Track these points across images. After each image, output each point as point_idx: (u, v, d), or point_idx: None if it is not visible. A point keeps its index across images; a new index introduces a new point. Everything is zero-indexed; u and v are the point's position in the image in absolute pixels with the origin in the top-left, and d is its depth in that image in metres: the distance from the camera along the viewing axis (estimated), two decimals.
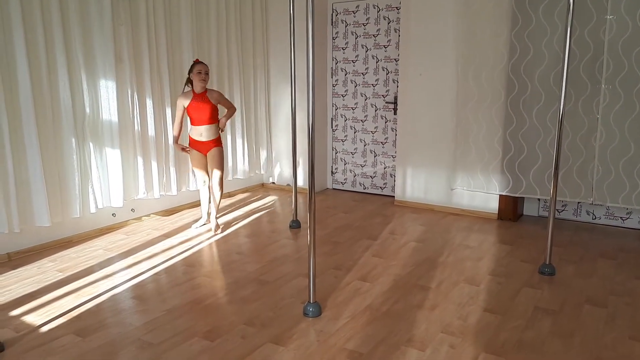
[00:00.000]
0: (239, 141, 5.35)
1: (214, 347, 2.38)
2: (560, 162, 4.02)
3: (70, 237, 3.91)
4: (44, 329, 2.55)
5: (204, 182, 4.14)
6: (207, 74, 3.90)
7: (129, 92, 4.12)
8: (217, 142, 4.05)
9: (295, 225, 4.29)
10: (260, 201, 5.28)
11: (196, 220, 4.46)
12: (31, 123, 3.45)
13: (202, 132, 3.96)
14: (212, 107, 3.94)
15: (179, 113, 4.02)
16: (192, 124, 3.99)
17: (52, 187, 3.65)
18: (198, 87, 3.89)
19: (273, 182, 5.96)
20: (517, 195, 4.36)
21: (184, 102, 3.95)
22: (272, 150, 5.87)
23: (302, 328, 2.55)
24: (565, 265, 3.41)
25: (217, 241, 3.96)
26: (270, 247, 3.82)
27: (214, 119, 3.99)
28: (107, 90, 3.96)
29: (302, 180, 5.42)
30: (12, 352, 2.33)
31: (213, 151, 4.03)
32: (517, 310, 2.74)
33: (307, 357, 2.28)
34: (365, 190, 5.59)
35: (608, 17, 3.75)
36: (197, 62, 3.90)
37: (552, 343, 2.40)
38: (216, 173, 4.06)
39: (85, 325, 2.59)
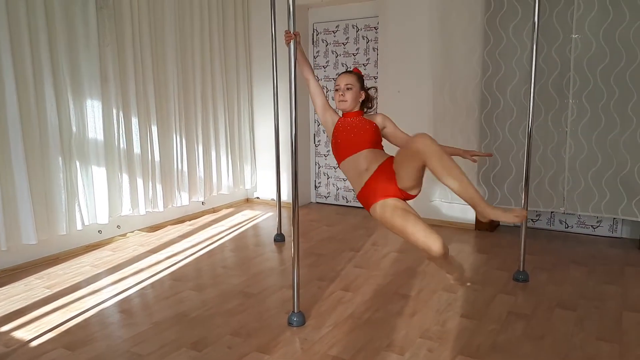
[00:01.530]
0: (222, 157, 5.45)
1: (201, 356, 2.45)
2: (533, 174, 4.20)
3: (57, 254, 3.95)
4: (34, 343, 2.61)
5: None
6: (349, 88, 2.76)
7: (115, 111, 4.21)
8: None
9: (280, 238, 4.39)
10: (244, 216, 5.36)
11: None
12: (18, 142, 3.51)
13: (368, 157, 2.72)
14: (374, 127, 2.83)
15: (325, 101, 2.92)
16: (343, 154, 2.78)
17: (39, 204, 3.70)
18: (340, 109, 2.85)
19: (257, 197, 6.06)
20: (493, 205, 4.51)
21: (327, 117, 2.88)
22: (255, 166, 5.98)
23: (286, 337, 2.64)
24: (539, 272, 3.56)
25: (202, 255, 4.04)
26: (255, 260, 3.91)
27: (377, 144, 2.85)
28: (93, 109, 4.04)
29: (286, 195, 5.53)
30: None
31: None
32: (492, 316, 2.87)
33: None
34: (348, 204, 5.72)
35: (573, 36, 3.97)
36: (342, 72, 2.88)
37: (524, 345, 2.53)
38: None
39: (74, 339, 2.65)
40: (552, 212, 4.61)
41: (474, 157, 2.91)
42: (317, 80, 2.89)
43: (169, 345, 2.56)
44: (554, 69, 4.08)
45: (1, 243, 3.49)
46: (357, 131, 2.71)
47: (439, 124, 4.63)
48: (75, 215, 3.97)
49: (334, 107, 2.88)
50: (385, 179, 2.55)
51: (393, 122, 2.91)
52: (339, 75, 2.79)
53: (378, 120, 2.83)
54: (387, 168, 2.58)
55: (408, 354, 2.45)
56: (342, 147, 2.73)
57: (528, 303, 3.04)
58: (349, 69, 2.81)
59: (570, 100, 4.06)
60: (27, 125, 3.59)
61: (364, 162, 2.66)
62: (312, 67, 2.74)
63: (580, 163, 4.10)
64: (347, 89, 2.74)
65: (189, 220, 5.14)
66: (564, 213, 4.32)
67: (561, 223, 4.62)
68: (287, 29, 2.63)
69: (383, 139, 2.87)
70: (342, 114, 2.82)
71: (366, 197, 2.61)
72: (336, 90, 2.76)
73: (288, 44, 2.65)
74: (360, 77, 2.82)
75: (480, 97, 4.39)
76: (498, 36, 4.23)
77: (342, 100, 2.74)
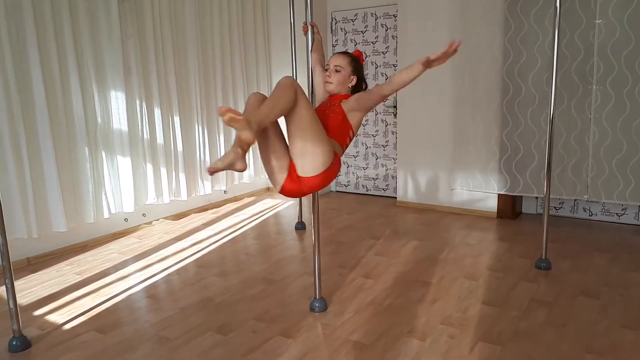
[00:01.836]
0: None
1: (226, 340, 2.52)
2: (556, 161, 4.17)
3: (85, 241, 4.07)
4: (67, 326, 2.71)
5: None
6: (338, 71, 2.59)
7: (138, 102, 4.29)
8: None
9: (301, 226, 4.44)
10: (265, 204, 5.43)
11: None
12: (47, 133, 3.62)
13: None
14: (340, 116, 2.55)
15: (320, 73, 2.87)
16: None
17: (68, 194, 3.81)
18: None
19: None
20: (514, 194, 4.50)
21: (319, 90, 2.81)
22: None
23: (309, 322, 2.70)
24: (562, 260, 3.54)
25: (226, 243, 4.11)
26: (277, 247, 3.97)
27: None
28: (117, 100, 4.13)
29: None
30: (38, 348, 2.49)
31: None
32: (513, 303, 2.88)
33: (315, 349, 2.42)
34: (368, 192, 5.74)
35: (597, 21, 3.90)
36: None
37: (546, 332, 2.54)
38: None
39: (104, 323, 2.75)
40: (575, 200, 4.57)
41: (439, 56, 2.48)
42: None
43: (195, 330, 2.64)
44: (577, 55, 4.02)
45: (33, 231, 3.61)
46: (325, 117, 2.52)
47: (459, 112, 4.61)
48: (102, 204, 4.08)
49: None
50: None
51: (366, 92, 2.52)
52: (332, 56, 2.65)
53: (349, 105, 2.51)
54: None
55: (429, 340, 2.48)
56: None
57: (550, 291, 3.04)
58: (347, 50, 2.70)
59: (594, 87, 4.00)
60: (54, 118, 3.69)
61: None
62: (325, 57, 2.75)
63: (605, 150, 4.04)
64: (336, 71, 2.57)
65: (212, 209, 5.23)
66: (587, 201, 4.28)
67: (585, 211, 4.57)
68: (304, 20, 2.66)
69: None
70: (328, 96, 2.67)
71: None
72: (325, 69, 2.63)
73: (305, 34, 2.69)
74: (353, 60, 2.62)
75: (501, 85, 4.35)
76: (519, 22, 4.18)
77: (327, 82, 2.58)
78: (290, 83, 2.24)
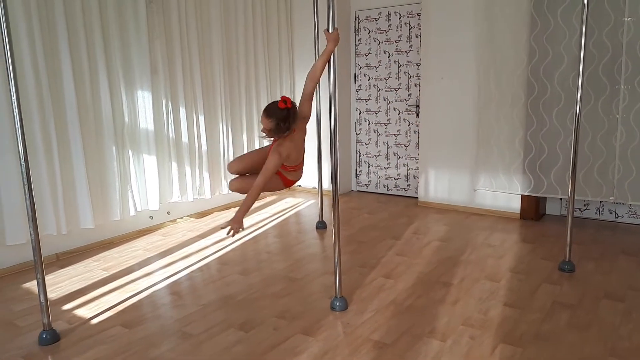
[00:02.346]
0: (266, 144, 5.56)
1: (248, 337, 2.57)
2: (581, 162, 4.10)
3: (112, 238, 4.17)
4: (94, 321, 2.79)
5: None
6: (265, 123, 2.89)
7: (164, 102, 4.38)
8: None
9: (321, 226, 4.47)
10: (286, 203, 5.47)
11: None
12: (76, 133, 3.72)
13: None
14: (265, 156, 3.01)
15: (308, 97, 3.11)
16: None
17: (95, 191, 3.91)
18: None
19: (299, 185, 6.16)
20: (538, 195, 4.44)
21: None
22: None
23: (329, 321, 2.72)
24: (586, 262, 3.49)
25: (248, 241, 4.17)
26: (298, 246, 4.00)
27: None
28: (144, 100, 4.22)
29: (327, 183, 5.59)
30: (67, 342, 2.57)
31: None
32: (536, 305, 2.85)
33: (335, 347, 2.45)
34: (389, 192, 5.73)
35: (626, 19, 3.82)
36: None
37: (568, 335, 2.51)
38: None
39: (130, 318, 2.82)
40: (601, 202, 4.49)
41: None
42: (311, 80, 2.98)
43: (218, 326, 2.69)
44: (604, 54, 3.95)
45: (62, 227, 3.72)
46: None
47: (483, 111, 4.57)
48: (129, 202, 4.18)
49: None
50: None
51: (266, 165, 2.88)
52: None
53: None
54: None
55: (450, 341, 2.48)
56: None
57: (574, 293, 3.00)
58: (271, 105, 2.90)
59: (622, 86, 3.92)
60: (83, 117, 3.79)
61: None
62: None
63: (632, 151, 3.96)
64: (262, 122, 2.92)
65: (234, 207, 5.29)
66: (613, 202, 4.20)
67: (611, 213, 4.49)
68: (325, 28, 2.71)
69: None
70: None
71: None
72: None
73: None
74: (266, 110, 2.87)
75: (526, 84, 4.30)
76: (545, 20, 4.12)
77: (263, 132, 2.96)
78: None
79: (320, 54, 3.02)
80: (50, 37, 3.57)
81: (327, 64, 2.79)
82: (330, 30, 2.70)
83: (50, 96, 3.56)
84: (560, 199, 4.68)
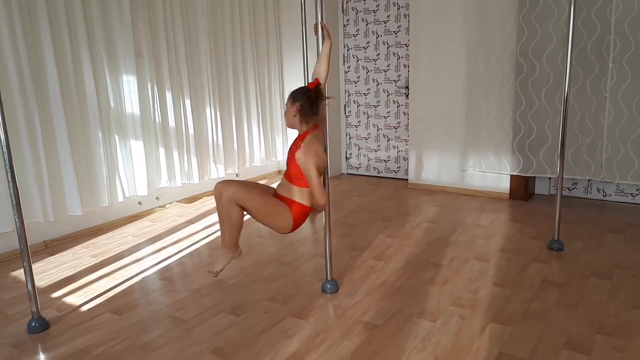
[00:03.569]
0: (254, 129, 5.52)
1: (240, 321, 2.57)
2: (570, 141, 4.11)
3: (100, 225, 4.14)
4: (84, 308, 2.78)
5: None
6: (287, 109, 2.59)
7: (149, 86, 4.31)
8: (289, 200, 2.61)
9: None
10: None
11: None
12: (61, 118, 3.66)
13: (282, 184, 2.71)
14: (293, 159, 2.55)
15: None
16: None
17: (82, 178, 3.86)
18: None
19: None
20: (527, 174, 4.46)
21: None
22: (287, 137, 6.03)
23: (320, 303, 2.73)
24: (574, 241, 3.52)
25: None
26: None
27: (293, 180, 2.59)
28: (129, 84, 4.15)
29: None
30: (56, 329, 2.56)
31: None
32: (525, 284, 2.88)
33: (326, 329, 2.46)
34: (379, 174, 5.73)
35: None
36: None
37: (557, 313, 2.54)
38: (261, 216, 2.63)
39: (120, 304, 2.81)
40: (589, 181, 4.52)
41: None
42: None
43: (209, 311, 2.69)
44: (593, 32, 3.93)
45: (49, 214, 3.68)
46: (289, 162, 2.60)
47: (472, 91, 4.55)
48: (117, 188, 4.14)
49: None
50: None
51: (306, 166, 2.47)
52: None
53: (298, 153, 2.50)
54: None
55: (440, 321, 2.50)
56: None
57: (562, 271, 3.03)
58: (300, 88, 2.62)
59: (610, 65, 3.92)
60: (67, 102, 3.72)
61: (282, 182, 2.70)
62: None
63: (620, 130, 3.98)
64: (286, 108, 2.60)
65: None
66: (601, 181, 4.23)
67: (599, 191, 4.52)
68: (315, 22, 2.61)
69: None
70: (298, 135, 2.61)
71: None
72: None
73: (316, 34, 2.63)
74: (291, 95, 2.60)
75: (515, 63, 4.28)
76: None
77: (285, 117, 2.63)
78: (227, 199, 2.47)
79: (319, 45, 2.68)
80: (30, 20, 3.48)
81: (317, 45, 2.67)
82: (319, 26, 2.56)
83: (32, 81, 3.48)
84: (549, 178, 4.71)
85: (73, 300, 2.88)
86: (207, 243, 3.76)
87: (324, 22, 2.64)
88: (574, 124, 4.12)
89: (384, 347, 2.29)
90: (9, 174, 2.39)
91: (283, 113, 2.61)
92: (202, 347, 2.34)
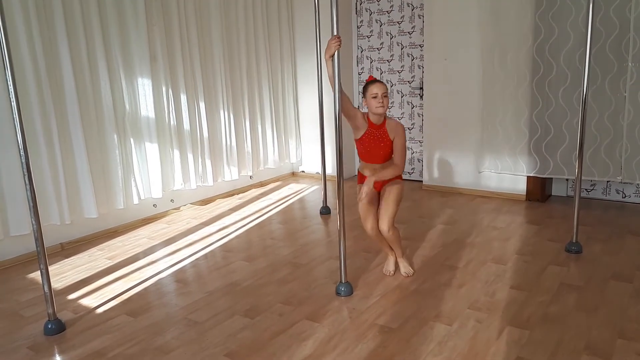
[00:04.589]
0: (268, 131, 5.53)
1: (254, 323, 2.56)
2: (588, 142, 4.04)
3: (116, 227, 4.17)
4: (99, 310, 2.79)
5: (372, 227, 2.94)
6: (385, 96, 2.85)
7: (164, 89, 4.33)
8: (397, 177, 3.00)
9: (325, 211, 4.45)
10: (290, 189, 5.45)
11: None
12: (77, 122, 3.70)
13: (377, 169, 2.94)
14: (390, 143, 2.90)
15: (351, 106, 2.90)
16: (362, 158, 3.03)
17: (98, 180, 3.90)
18: (375, 116, 2.88)
19: (303, 171, 6.13)
20: (544, 176, 4.39)
21: (358, 125, 2.92)
22: (300, 140, 6.03)
23: (335, 306, 2.71)
24: (593, 243, 3.45)
25: (252, 228, 4.15)
26: (302, 232, 3.98)
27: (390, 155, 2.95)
28: (144, 87, 4.18)
29: (330, 168, 5.56)
30: (72, 331, 2.57)
31: (391, 186, 2.93)
32: (542, 287, 2.83)
33: (341, 332, 2.44)
34: None
35: None
36: (371, 81, 2.89)
37: (576, 316, 2.49)
38: (385, 213, 2.87)
39: (135, 306, 2.82)
40: (608, 182, 4.43)
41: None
42: (347, 100, 2.85)
43: (223, 313, 2.69)
44: (612, 31, 3.86)
45: (65, 217, 3.71)
46: (376, 145, 2.92)
47: (488, 92, 4.50)
48: (132, 190, 4.16)
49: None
50: (379, 184, 2.97)
51: (402, 139, 2.94)
52: (372, 83, 2.86)
53: (392, 135, 2.92)
54: (386, 181, 2.97)
55: (456, 325, 2.46)
56: (362, 153, 3.01)
57: (581, 274, 2.97)
58: (377, 79, 2.91)
59: (630, 64, 3.84)
60: (84, 105, 3.76)
61: (377, 168, 2.97)
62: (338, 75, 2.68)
63: None
64: (384, 96, 2.84)
65: (238, 194, 5.28)
66: (621, 182, 4.15)
67: (618, 193, 4.44)
68: (330, 36, 2.60)
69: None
70: (369, 124, 2.91)
71: (363, 179, 2.97)
72: (374, 97, 2.83)
73: (331, 57, 2.63)
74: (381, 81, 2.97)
75: (531, 63, 4.22)
76: None
77: (382, 106, 2.83)
78: (390, 226, 2.88)
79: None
80: (47, 25, 3.52)
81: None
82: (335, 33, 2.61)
83: (49, 85, 3.52)
84: (567, 179, 4.63)
85: (89, 302, 2.90)
86: (222, 245, 3.76)
87: (338, 23, 2.62)
88: (592, 124, 4.05)
89: (399, 351, 2.26)
90: (26, 176, 2.42)
91: (382, 102, 2.83)
92: (216, 350, 2.33)
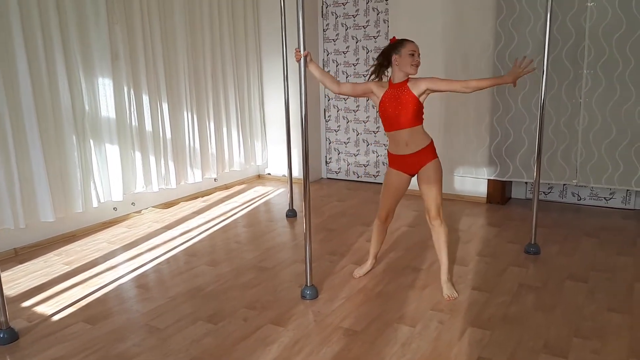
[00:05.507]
0: (234, 133, 5.47)
1: (217, 329, 2.52)
2: (545, 146, 4.17)
3: (74, 231, 4.03)
4: (55, 318, 2.69)
5: (387, 217, 2.99)
6: (419, 57, 2.74)
7: (126, 89, 4.22)
8: (432, 153, 2.84)
9: (292, 214, 4.43)
10: (256, 192, 5.41)
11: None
12: (33, 122, 3.55)
13: (406, 141, 2.76)
14: (416, 103, 2.70)
15: (360, 87, 2.86)
16: (386, 129, 2.83)
17: (55, 183, 3.76)
18: (400, 73, 2.72)
19: (269, 174, 6.09)
20: (504, 179, 4.51)
21: (375, 91, 2.77)
22: (266, 142, 5.99)
23: (300, 310, 2.70)
24: (550, 244, 3.56)
25: (216, 231, 4.10)
26: (268, 235, 3.96)
27: (417, 120, 2.76)
28: (105, 87, 4.06)
29: (297, 171, 5.54)
30: (26, 340, 2.47)
31: (428, 168, 2.81)
32: (503, 288, 2.90)
33: (306, 336, 2.43)
34: (359, 179, 5.73)
35: (589, 4, 3.88)
36: (407, 40, 2.77)
37: (535, 316, 2.56)
38: (433, 202, 2.83)
39: (93, 313, 2.73)
40: (564, 185, 4.59)
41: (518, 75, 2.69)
42: (343, 83, 2.86)
43: (186, 319, 2.63)
44: (568, 39, 4.00)
45: (20, 221, 3.56)
46: (397, 104, 2.71)
47: (450, 97, 4.59)
48: (91, 193, 4.04)
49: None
50: (413, 164, 2.83)
51: (439, 79, 2.74)
52: (409, 41, 2.75)
53: (414, 89, 2.70)
54: (421, 158, 2.82)
55: (419, 326, 2.49)
56: (385, 120, 2.80)
57: (539, 275, 3.06)
58: (394, 37, 2.83)
59: (585, 71, 3.99)
60: (40, 105, 3.62)
61: (404, 139, 2.78)
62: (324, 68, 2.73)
63: (594, 135, 4.05)
64: (419, 55, 2.74)
65: (202, 197, 5.20)
66: (576, 185, 4.30)
67: (573, 195, 4.60)
68: (297, 47, 2.66)
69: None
70: (390, 85, 2.75)
71: (394, 160, 2.88)
72: (412, 54, 2.70)
73: (298, 61, 2.69)
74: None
75: (492, 69, 4.33)
76: (511, 6, 4.15)
77: (416, 66, 2.72)
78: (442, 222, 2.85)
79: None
80: (1, 21, 3.37)
81: (299, 46, 2.70)
82: (301, 51, 2.67)
83: (3, 84, 3.37)
84: (526, 182, 4.77)
85: (44, 309, 2.79)
86: (185, 249, 3.69)
87: (304, 26, 2.63)
88: (550, 129, 4.19)
89: (363, 353, 2.27)
90: None
91: (418, 62, 2.74)
92: (178, 357, 2.29)
